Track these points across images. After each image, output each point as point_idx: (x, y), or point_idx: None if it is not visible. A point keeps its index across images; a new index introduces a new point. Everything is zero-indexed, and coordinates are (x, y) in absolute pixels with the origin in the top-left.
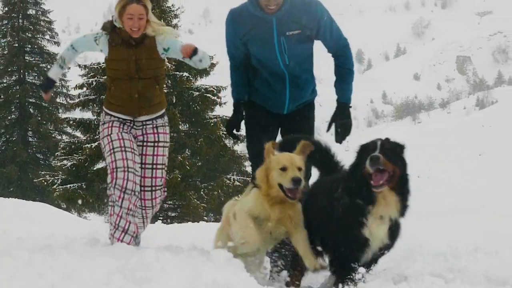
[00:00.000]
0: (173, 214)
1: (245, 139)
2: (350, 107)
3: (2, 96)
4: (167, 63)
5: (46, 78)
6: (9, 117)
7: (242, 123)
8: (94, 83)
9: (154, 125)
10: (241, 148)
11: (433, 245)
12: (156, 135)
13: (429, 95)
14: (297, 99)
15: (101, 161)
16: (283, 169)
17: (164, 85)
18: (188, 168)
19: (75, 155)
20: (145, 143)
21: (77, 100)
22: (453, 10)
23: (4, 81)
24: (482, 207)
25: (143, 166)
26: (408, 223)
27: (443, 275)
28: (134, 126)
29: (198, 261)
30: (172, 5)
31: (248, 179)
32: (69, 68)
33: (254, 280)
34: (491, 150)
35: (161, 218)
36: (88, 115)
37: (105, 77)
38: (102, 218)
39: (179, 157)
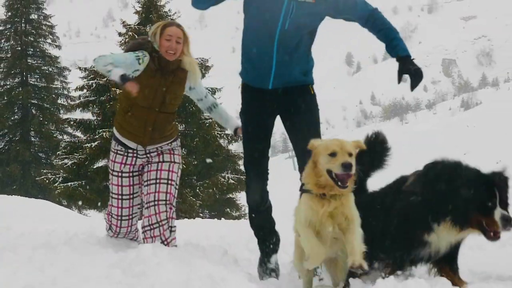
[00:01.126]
0: None
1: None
2: (413, 58)
3: (5, 98)
4: None
5: (123, 75)
6: (12, 118)
7: None
8: (94, 85)
9: (159, 152)
10: (235, 147)
11: None
12: (160, 156)
13: (415, 96)
14: (284, 75)
15: (100, 159)
16: (332, 154)
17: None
18: (185, 166)
19: (75, 154)
20: (149, 165)
21: (77, 102)
22: (439, 15)
23: (8, 83)
24: None
25: (147, 183)
26: None
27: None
28: (138, 156)
29: (194, 256)
30: (169, 10)
31: (242, 177)
32: (70, 70)
33: (247, 275)
34: (476, 149)
35: None
36: (88, 115)
37: (105, 79)
38: (101, 214)
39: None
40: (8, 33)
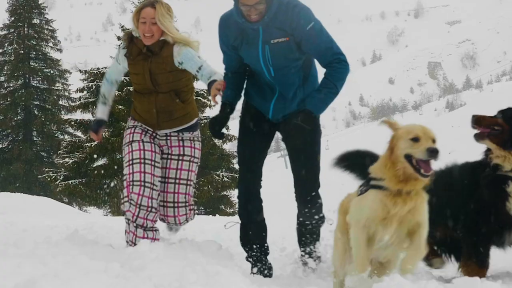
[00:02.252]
0: None
1: (237, 140)
2: (314, 116)
3: (8, 99)
4: None
5: (94, 120)
6: (15, 118)
7: (228, 124)
8: (94, 87)
9: (180, 138)
10: (229, 146)
11: None
12: (181, 148)
13: (402, 98)
14: (281, 111)
15: (100, 158)
16: (415, 139)
17: (190, 96)
18: None
19: (76, 153)
20: (169, 156)
21: (78, 103)
22: (425, 19)
23: (11, 85)
24: None
25: (166, 180)
26: None
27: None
28: (158, 137)
29: (189, 251)
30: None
31: (236, 175)
32: (70, 73)
33: (240, 269)
34: (460, 149)
35: None
36: (88, 116)
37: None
38: (101, 211)
39: None
40: (11, 37)
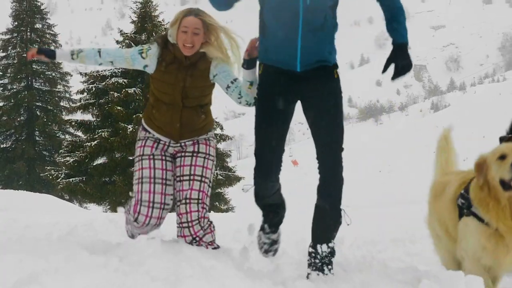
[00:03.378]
0: None
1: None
2: (409, 47)
3: (12, 100)
4: None
5: (51, 50)
6: (18, 119)
7: (222, 124)
8: (94, 88)
9: (195, 141)
10: (223, 146)
11: (392, 233)
12: (196, 145)
13: (389, 99)
14: (311, 52)
15: (99, 157)
16: (502, 157)
17: (210, 106)
18: None
19: (76, 152)
20: (183, 154)
21: (78, 104)
22: (411, 24)
23: (14, 87)
24: None
25: (180, 178)
26: (371, 212)
27: (402, 258)
28: (170, 146)
29: (185, 247)
30: (163, 19)
31: (230, 174)
32: (71, 75)
33: (234, 264)
34: None
35: None
36: (88, 117)
37: (104, 83)
38: (101, 208)
39: None
40: (14, 41)
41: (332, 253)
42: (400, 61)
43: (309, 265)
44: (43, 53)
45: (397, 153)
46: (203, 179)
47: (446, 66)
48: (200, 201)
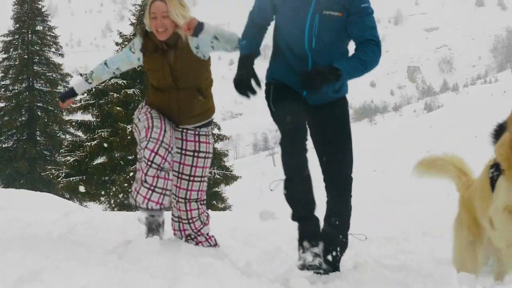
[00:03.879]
0: None
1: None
2: (340, 74)
3: (13, 101)
4: None
5: (70, 88)
6: (20, 119)
7: (220, 124)
8: (93, 89)
9: (197, 133)
10: (220, 146)
11: (386, 231)
12: (197, 143)
13: (383, 100)
14: (317, 96)
15: (99, 157)
16: None
17: (210, 90)
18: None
19: (77, 152)
20: (183, 151)
21: (78, 104)
22: (405, 26)
23: (16, 88)
24: (429, 196)
25: (179, 175)
26: (365, 211)
27: (396, 256)
28: (174, 127)
29: (183, 244)
30: None
31: (227, 173)
32: (72, 76)
33: (231, 261)
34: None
35: None
36: (88, 117)
37: (103, 84)
38: (101, 206)
39: None
40: (16, 43)
41: (337, 266)
42: (309, 75)
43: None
44: (66, 98)
45: (391, 153)
46: (202, 179)
47: (439, 67)
48: (198, 199)
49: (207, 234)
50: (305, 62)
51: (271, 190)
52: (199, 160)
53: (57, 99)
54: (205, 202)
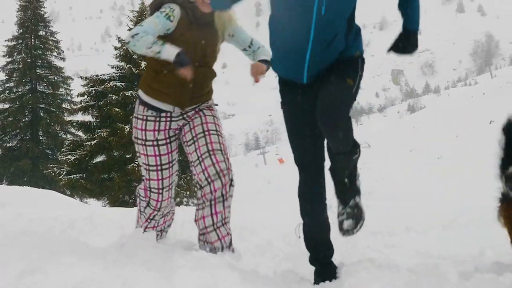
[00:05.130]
0: None
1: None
2: (418, 33)
3: (17, 102)
4: None
5: (179, 54)
6: (23, 120)
7: None
8: (93, 91)
9: (197, 109)
10: None
11: (372, 225)
12: (200, 111)
13: (369, 101)
14: (319, 63)
15: (99, 155)
16: None
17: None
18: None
19: (77, 151)
20: (188, 119)
21: (79, 106)
22: (389, 32)
23: (19, 90)
24: (413, 193)
25: (194, 139)
26: None
27: (381, 250)
28: (173, 119)
29: (179, 239)
30: None
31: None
32: (72, 79)
33: (225, 256)
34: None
35: None
36: (88, 118)
37: (103, 86)
38: (100, 203)
39: None
40: (20, 47)
41: (353, 184)
42: (406, 44)
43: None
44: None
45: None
46: (219, 133)
47: (422, 70)
48: (223, 151)
49: (228, 229)
50: (306, 37)
51: (299, 237)
52: (207, 117)
53: (181, 68)
54: (232, 177)
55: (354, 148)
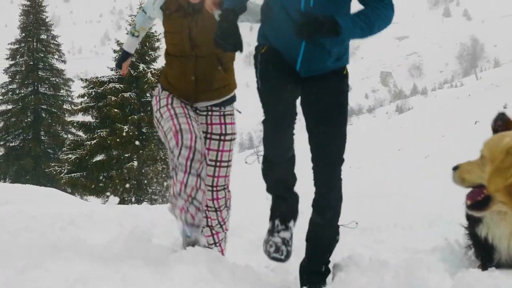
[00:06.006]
0: (156, 197)
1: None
2: (338, 30)
3: (20, 104)
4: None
5: (122, 51)
6: (25, 120)
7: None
8: (93, 93)
9: (222, 113)
10: None
11: (361, 222)
12: (223, 126)
13: (358, 102)
14: (313, 61)
15: (98, 154)
16: None
17: (232, 64)
18: (167, 160)
19: (78, 150)
20: (209, 135)
21: (79, 107)
22: (378, 35)
23: (22, 91)
24: (400, 190)
25: (206, 151)
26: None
27: (370, 245)
28: (197, 111)
29: (176, 233)
30: (155, 31)
31: None
32: (73, 81)
33: (219, 249)
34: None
35: (147, 200)
36: (88, 118)
37: (102, 88)
38: (99, 200)
39: (161, 152)
40: (22, 50)
41: (326, 273)
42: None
43: (301, 280)
44: (123, 62)
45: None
46: (228, 163)
47: (410, 73)
48: (225, 186)
49: (226, 233)
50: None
51: (246, 163)
52: (225, 144)
53: (115, 68)
54: (229, 189)
55: (337, 230)
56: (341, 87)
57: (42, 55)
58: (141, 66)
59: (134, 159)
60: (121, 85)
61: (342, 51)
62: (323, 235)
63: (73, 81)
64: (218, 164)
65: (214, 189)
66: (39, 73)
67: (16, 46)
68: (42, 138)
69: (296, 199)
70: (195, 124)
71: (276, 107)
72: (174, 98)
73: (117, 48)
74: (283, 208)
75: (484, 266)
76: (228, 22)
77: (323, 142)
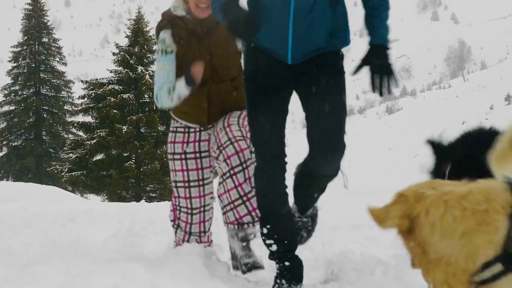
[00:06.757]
0: (153, 195)
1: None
2: (388, 49)
3: (22, 105)
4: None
5: (185, 80)
6: (28, 121)
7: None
8: (93, 94)
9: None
10: None
11: (352, 218)
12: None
13: (349, 103)
14: (305, 42)
15: (98, 154)
16: None
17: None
18: (165, 159)
19: (78, 149)
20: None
21: (79, 108)
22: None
23: (24, 93)
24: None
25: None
26: (333, 201)
27: (361, 242)
28: (202, 129)
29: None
30: (153, 34)
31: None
32: (74, 83)
33: (218, 247)
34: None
35: (145, 198)
36: (88, 119)
37: (102, 89)
38: (99, 198)
39: (158, 151)
40: (24, 53)
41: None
42: (374, 60)
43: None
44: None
45: (356, 150)
46: (240, 121)
47: (399, 74)
48: (244, 137)
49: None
50: (287, 4)
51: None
52: (232, 114)
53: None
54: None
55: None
56: (338, 65)
57: (43, 57)
58: (140, 68)
59: (133, 158)
60: (120, 87)
61: (337, 25)
62: (317, 185)
63: (74, 83)
64: (226, 125)
65: (232, 140)
66: (41, 75)
67: (18, 49)
68: (44, 138)
69: (301, 263)
70: (193, 190)
71: (270, 141)
72: (175, 143)
73: (116, 50)
74: (290, 269)
75: None
76: (235, 9)
77: (321, 107)
